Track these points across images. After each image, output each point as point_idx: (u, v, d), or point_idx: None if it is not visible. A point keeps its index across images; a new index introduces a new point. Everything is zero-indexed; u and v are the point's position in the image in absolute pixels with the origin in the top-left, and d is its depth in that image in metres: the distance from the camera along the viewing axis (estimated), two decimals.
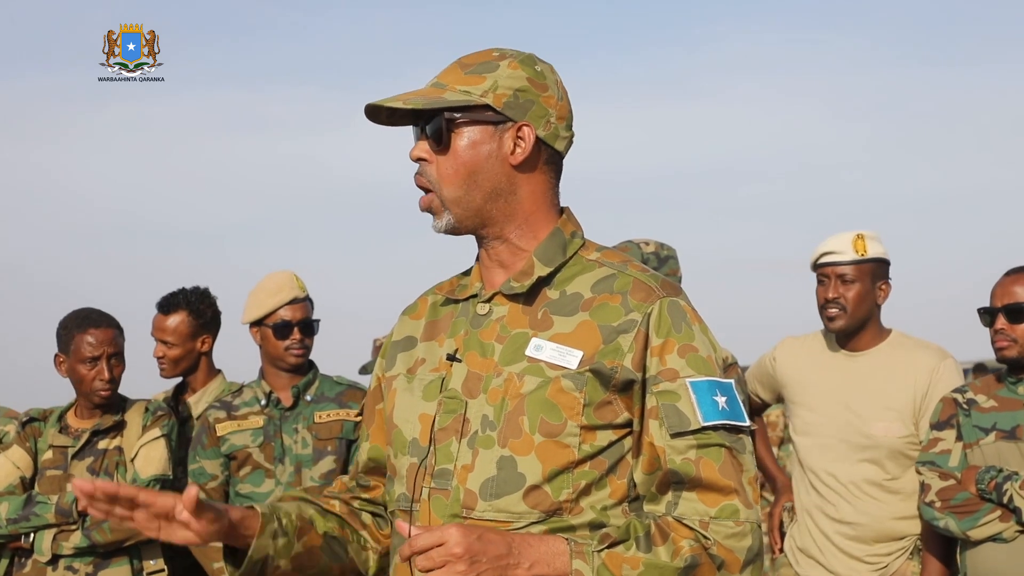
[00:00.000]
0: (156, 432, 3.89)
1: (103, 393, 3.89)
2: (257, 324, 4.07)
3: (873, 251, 3.80)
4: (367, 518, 2.10)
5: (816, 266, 3.86)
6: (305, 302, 4.08)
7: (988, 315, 3.56)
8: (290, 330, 4.02)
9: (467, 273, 2.07)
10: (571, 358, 1.86)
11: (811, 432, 3.85)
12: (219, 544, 3.81)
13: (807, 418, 3.87)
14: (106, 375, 3.87)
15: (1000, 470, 3.43)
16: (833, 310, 3.79)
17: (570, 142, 1.99)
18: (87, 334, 3.89)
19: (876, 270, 3.81)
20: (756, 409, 4.25)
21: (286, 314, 4.02)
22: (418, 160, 1.95)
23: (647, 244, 4.26)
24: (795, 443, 3.95)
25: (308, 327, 4.06)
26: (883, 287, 3.83)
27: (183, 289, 4.35)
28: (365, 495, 2.12)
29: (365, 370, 7.28)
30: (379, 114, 1.98)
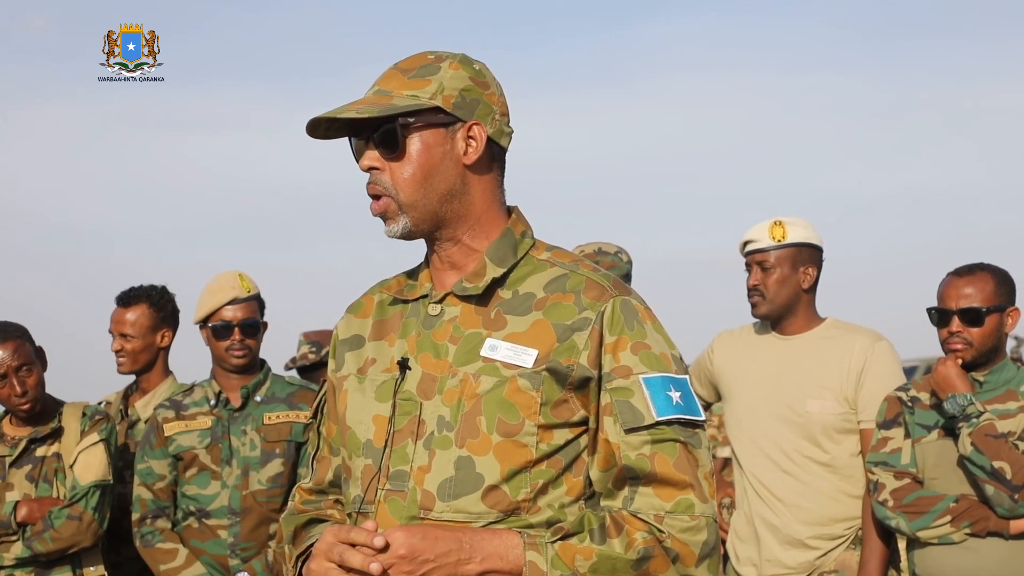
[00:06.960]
0: (95, 437, 3.83)
1: (22, 409, 3.84)
2: (203, 324, 4.03)
3: (793, 236, 3.81)
4: None
5: (743, 255, 3.90)
6: (249, 302, 4.01)
7: (940, 317, 3.51)
8: (230, 331, 3.97)
9: (413, 273, 2.06)
10: (526, 357, 1.87)
11: (747, 418, 3.86)
12: (170, 545, 3.79)
13: (743, 406, 3.88)
14: (18, 389, 3.80)
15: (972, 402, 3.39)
16: (755, 298, 3.83)
17: (511, 138, 2.01)
18: None
19: (797, 255, 3.82)
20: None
21: (227, 314, 3.98)
22: (369, 169, 1.95)
23: (622, 252, 4.31)
24: (732, 443, 3.94)
25: (249, 328, 4.00)
26: (807, 271, 3.83)
27: (142, 285, 4.31)
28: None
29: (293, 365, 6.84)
30: (317, 127, 1.96)
